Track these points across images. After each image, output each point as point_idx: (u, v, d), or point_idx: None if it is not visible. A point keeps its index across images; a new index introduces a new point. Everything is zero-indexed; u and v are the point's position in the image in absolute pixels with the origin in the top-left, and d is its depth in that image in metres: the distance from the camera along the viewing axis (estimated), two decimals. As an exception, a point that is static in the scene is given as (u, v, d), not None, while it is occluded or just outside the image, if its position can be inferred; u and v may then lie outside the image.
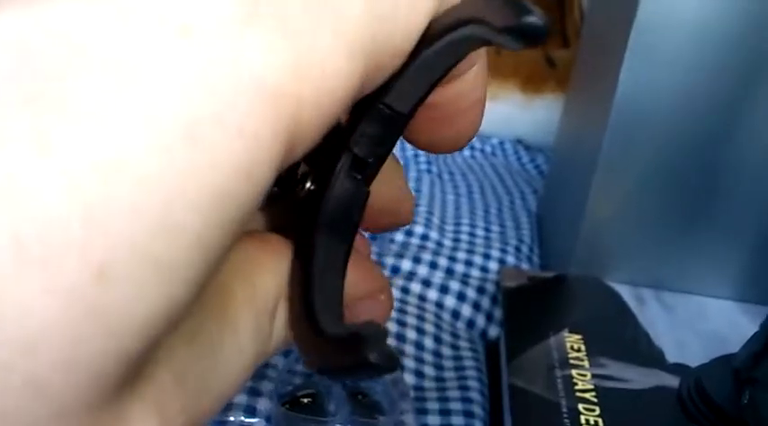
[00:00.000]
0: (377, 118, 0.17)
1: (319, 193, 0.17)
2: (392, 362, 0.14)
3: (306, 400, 0.33)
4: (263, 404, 0.35)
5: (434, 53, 0.16)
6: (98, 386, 0.11)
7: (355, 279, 0.18)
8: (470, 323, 0.46)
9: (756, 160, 0.43)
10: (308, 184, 0.18)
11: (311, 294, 0.16)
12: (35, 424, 0.11)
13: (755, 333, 0.33)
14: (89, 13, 0.11)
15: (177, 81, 0.11)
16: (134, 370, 0.12)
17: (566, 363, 0.36)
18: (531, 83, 0.71)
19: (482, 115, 0.19)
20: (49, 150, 0.10)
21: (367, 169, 0.17)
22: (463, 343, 0.43)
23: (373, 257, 0.50)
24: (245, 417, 0.34)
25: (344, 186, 0.17)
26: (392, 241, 0.52)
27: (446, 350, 0.42)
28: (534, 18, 0.13)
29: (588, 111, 0.50)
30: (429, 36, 0.16)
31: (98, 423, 0.11)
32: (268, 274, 0.17)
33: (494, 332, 0.46)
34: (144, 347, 0.11)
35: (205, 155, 0.11)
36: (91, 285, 0.10)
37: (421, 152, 0.68)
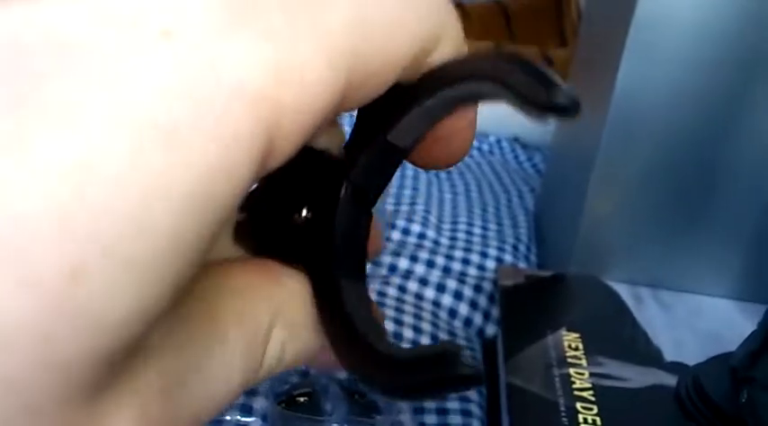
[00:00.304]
0: (379, 151, 0.17)
1: (318, 221, 0.17)
2: (481, 374, 0.15)
3: (302, 399, 0.33)
4: (259, 403, 0.34)
5: (444, 99, 0.16)
6: (72, 385, 0.11)
7: None
8: (467, 322, 0.45)
9: (755, 158, 0.42)
10: (304, 212, 0.18)
11: (358, 327, 0.17)
12: (7, 420, 0.11)
13: (753, 332, 0.33)
14: (71, 16, 0.12)
15: (155, 84, 0.11)
16: (111, 371, 0.12)
17: (563, 362, 0.36)
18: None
19: (474, 133, 0.19)
20: (24, 150, 0.10)
21: (368, 199, 0.18)
22: (460, 342, 0.43)
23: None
24: (242, 416, 0.34)
25: (351, 216, 0.17)
26: (389, 239, 0.52)
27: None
28: (567, 99, 0.13)
29: (586, 110, 0.49)
30: (440, 78, 0.16)
31: (75, 421, 0.11)
32: (261, 299, 0.17)
33: (491, 330, 0.45)
34: (119, 347, 0.11)
35: (181, 156, 0.11)
36: (64, 284, 0.10)
37: (418, 150, 0.68)
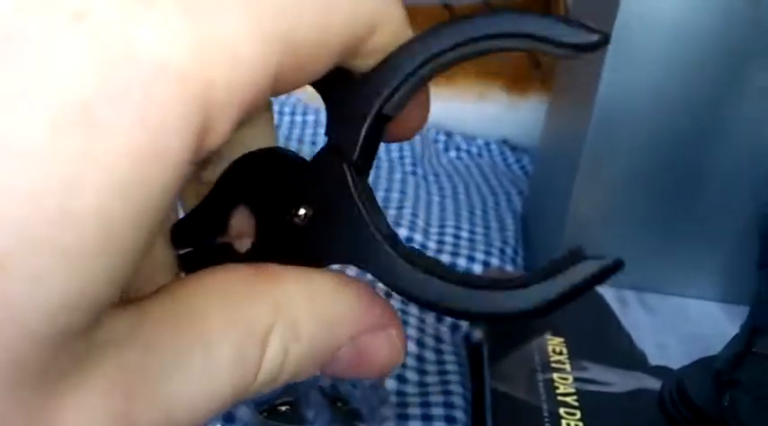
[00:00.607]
0: (375, 126, 0.17)
1: (324, 214, 0.17)
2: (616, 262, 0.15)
3: (284, 408, 0.33)
4: (241, 412, 0.34)
5: (441, 63, 0.16)
6: (16, 369, 0.11)
7: (362, 310, 0.17)
8: (454, 327, 0.45)
9: (739, 159, 0.42)
10: (302, 211, 0.17)
11: (445, 275, 0.16)
12: None
13: (736, 335, 0.33)
14: None
15: (69, 65, 0.11)
16: (56, 358, 0.12)
17: (547, 367, 0.36)
18: (517, 83, 0.71)
19: (429, 100, 0.19)
20: None
21: (365, 172, 0.18)
22: (446, 347, 0.43)
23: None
24: (223, 424, 0.34)
25: (365, 195, 0.17)
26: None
27: (429, 355, 0.42)
28: (597, 34, 0.15)
29: (571, 112, 0.49)
30: (429, 46, 0.16)
31: (26, 408, 0.11)
32: (257, 301, 0.16)
33: (478, 334, 0.45)
34: (57, 334, 0.11)
35: (103, 140, 0.11)
36: None
37: (406, 154, 0.68)
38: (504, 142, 0.73)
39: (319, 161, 0.17)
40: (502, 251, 0.52)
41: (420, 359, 0.41)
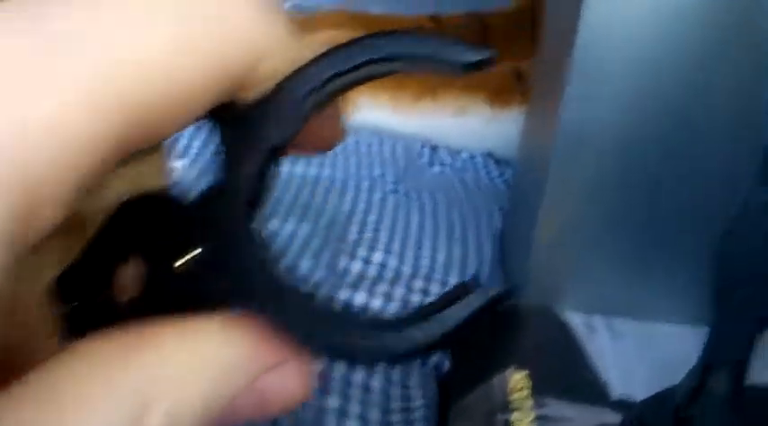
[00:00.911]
0: (267, 159, 0.16)
1: (214, 258, 0.16)
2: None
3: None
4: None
5: (334, 88, 0.16)
6: None
7: (254, 352, 0.16)
8: (423, 360, 0.44)
9: (708, 179, 0.41)
10: (190, 255, 0.17)
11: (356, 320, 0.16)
12: None
13: (692, 368, 0.32)
14: None
15: None
16: None
17: (506, 406, 0.35)
18: (500, 96, 0.70)
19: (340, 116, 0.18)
20: None
21: (257, 206, 0.17)
22: (414, 381, 0.42)
23: (326, 290, 0.48)
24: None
25: (258, 231, 0.16)
26: (347, 272, 0.51)
27: (395, 391, 0.41)
28: (479, 54, 0.16)
29: (541, 126, 0.48)
30: (318, 72, 0.16)
31: None
32: (135, 372, 0.14)
33: (447, 365, 0.44)
34: None
35: None
36: None
37: (388, 171, 0.67)
38: (489, 155, 0.72)
39: (209, 200, 0.17)
40: (477, 274, 0.51)
41: (385, 394, 0.41)
